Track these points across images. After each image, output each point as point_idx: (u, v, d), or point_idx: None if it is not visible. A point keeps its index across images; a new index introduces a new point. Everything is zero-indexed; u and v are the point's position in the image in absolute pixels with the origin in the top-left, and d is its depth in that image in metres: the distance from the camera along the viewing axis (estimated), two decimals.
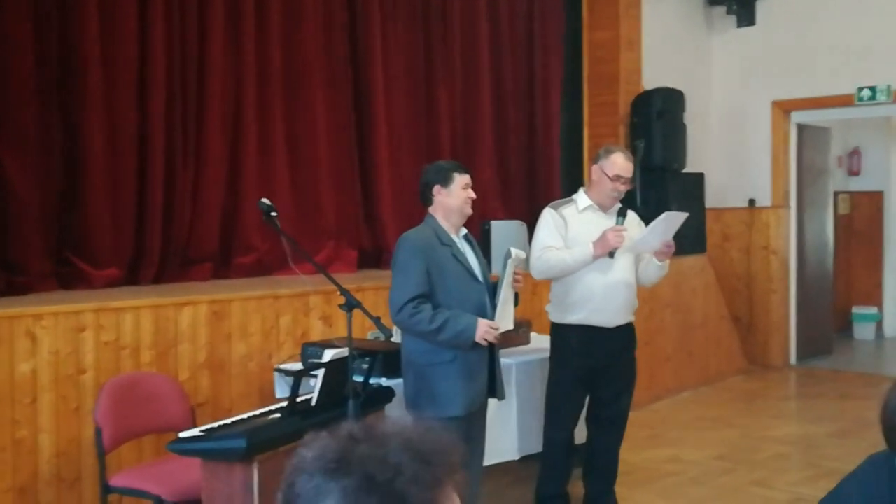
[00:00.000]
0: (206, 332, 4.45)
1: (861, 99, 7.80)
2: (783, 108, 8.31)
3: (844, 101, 7.91)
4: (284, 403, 3.38)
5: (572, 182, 7.07)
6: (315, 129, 5.96)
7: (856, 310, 9.82)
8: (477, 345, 3.65)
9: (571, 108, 7.71)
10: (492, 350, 3.78)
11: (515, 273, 3.77)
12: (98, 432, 3.66)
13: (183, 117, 5.26)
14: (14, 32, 4.50)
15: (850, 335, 9.74)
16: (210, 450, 3.11)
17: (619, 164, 4.20)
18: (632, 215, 4.34)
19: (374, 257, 6.36)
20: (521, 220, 6.58)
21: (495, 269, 6.11)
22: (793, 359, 8.48)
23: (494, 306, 3.77)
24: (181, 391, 4.05)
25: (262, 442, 3.10)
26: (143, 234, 5.08)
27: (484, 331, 3.60)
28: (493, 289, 3.85)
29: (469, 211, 3.78)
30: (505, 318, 3.76)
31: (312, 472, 0.94)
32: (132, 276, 5.03)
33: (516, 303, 4.00)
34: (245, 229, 5.56)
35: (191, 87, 5.29)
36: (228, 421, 3.32)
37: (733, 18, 8.45)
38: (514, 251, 3.79)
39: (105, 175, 4.91)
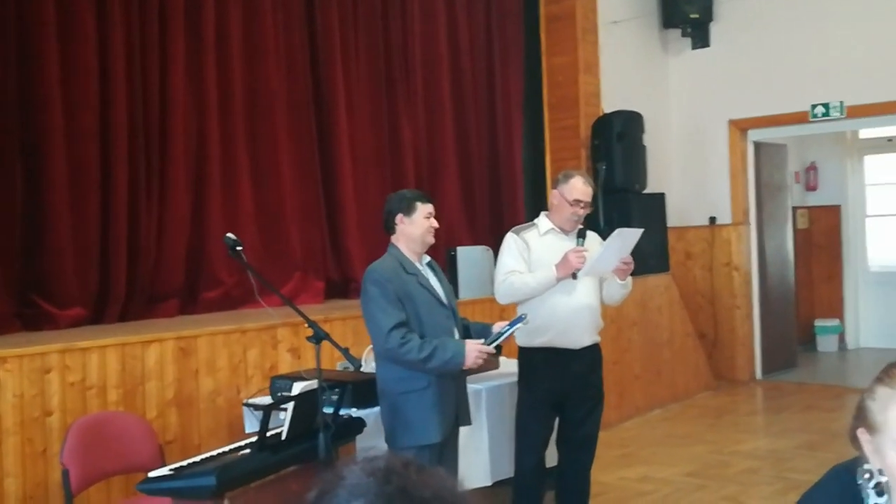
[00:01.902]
0: (173, 368, 4.43)
1: (815, 116, 7.98)
2: (740, 127, 8.48)
3: (799, 119, 8.09)
4: (254, 438, 3.37)
5: (536, 206, 7.13)
6: (279, 162, 5.98)
7: (818, 322, 9.98)
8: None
9: (533, 132, 7.81)
10: (456, 376, 3.80)
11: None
12: (65, 474, 3.61)
13: (146, 153, 5.25)
14: None
15: (813, 348, 9.89)
16: (179, 488, 3.09)
17: (578, 188, 4.26)
18: (592, 235, 4.41)
19: (342, 287, 6.37)
20: (487, 245, 6.64)
21: (463, 295, 6.18)
22: (758, 373, 8.60)
23: (472, 338, 3.83)
24: (149, 430, 4.02)
25: (233, 478, 3.09)
26: (108, 272, 5.05)
27: (475, 355, 3.63)
28: (459, 314, 3.91)
29: (431, 240, 3.82)
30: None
31: (358, 472, 1.00)
32: (98, 315, 4.99)
33: (498, 351, 4.10)
34: (211, 264, 5.55)
35: (153, 123, 5.29)
36: (197, 458, 3.30)
37: (688, 41, 8.63)
38: (528, 317, 3.86)
39: (68, 214, 4.88)
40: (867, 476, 1.64)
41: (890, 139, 9.75)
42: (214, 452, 3.39)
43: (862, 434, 1.58)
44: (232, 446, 3.46)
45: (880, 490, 1.59)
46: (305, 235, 6.13)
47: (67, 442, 3.69)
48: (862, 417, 1.57)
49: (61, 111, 4.86)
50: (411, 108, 6.90)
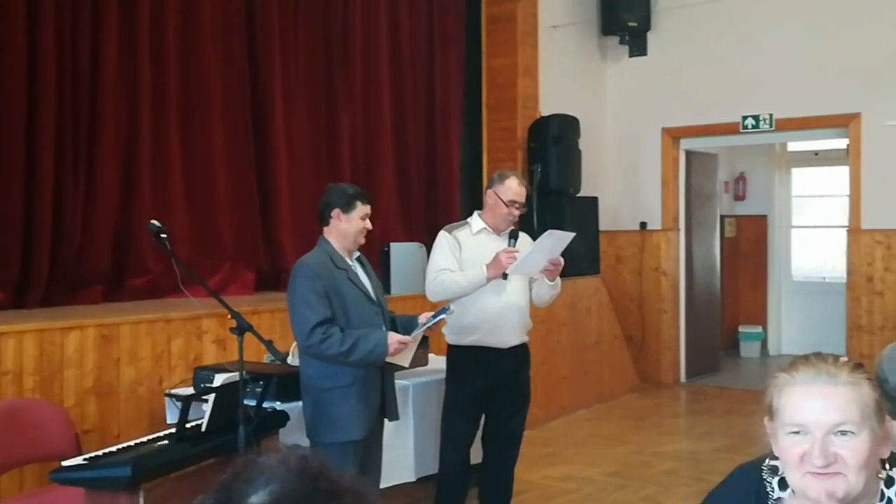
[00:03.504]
0: (93, 356, 4.33)
1: (746, 127, 8.17)
2: (672, 135, 8.64)
3: (730, 129, 8.28)
4: (173, 429, 3.31)
5: (472, 205, 7.15)
6: (212, 151, 5.88)
7: (742, 329, 10.22)
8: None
9: (471, 132, 7.84)
10: (383, 370, 3.80)
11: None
12: None
13: (74, 136, 5.12)
14: None
15: (736, 353, 10.12)
16: (93, 479, 3.03)
17: (514, 188, 4.29)
18: (524, 237, 4.44)
19: (273, 279, 6.30)
20: (422, 242, 6.64)
21: (395, 291, 6.17)
22: (683, 376, 8.77)
23: (398, 331, 3.82)
24: (66, 418, 3.92)
25: (149, 469, 3.04)
26: (30, 255, 4.91)
27: (395, 348, 3.63)
28: (387, 310, 3.90)
29: (362, 241, 3.81)
30: (406, 354, 3.80)
31: (274, 459, 1.01)
32: (18, 299, 4.86)
33: (426, 344, 4.07)
34: (138, 251, 5.44)
35: (82, 105, 5.16)
36: (114, 448, 3.24)
37: (626, 49, 8.75)
38: (452, 307, 3.89)
39: None
40: (771, 471, 1.68)
41: (817, 153, 10.04)
42: (132, 443, 3.33)
43: (767, 422, 1.63)
44: (150, 437, 3.40)
45: (784, 484, 1.64)
46: (237, 225, 6.05)
47: None
48: (766, 405, 1.63)
49: None
50: (349, 100, 6.86)
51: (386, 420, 3.92)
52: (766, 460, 1.69)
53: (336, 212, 3.74)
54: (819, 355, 1.61)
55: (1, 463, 3.63)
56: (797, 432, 1.56)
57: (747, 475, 1.73)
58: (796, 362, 1.61)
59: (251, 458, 1.02)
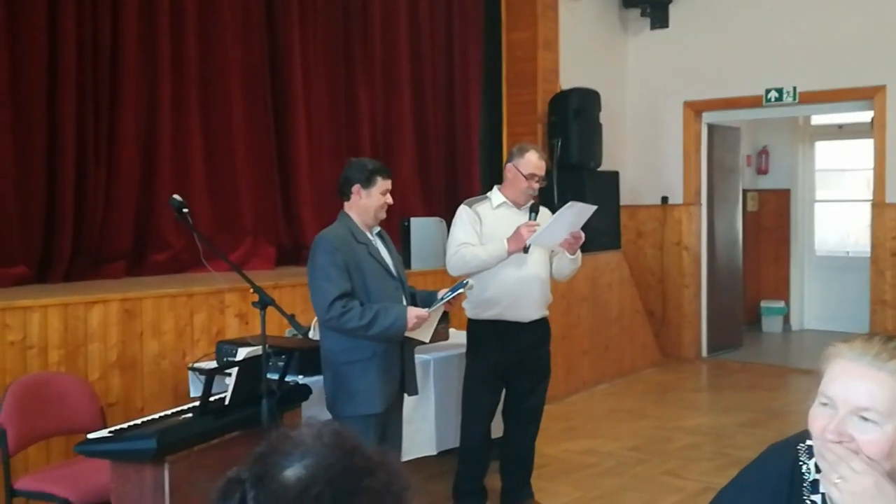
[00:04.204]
0: (117, 330, 4.37)
1: (769, 100, 8.07)
2: (694, 109, 8.55)
3: (753, 103, 8.18)
4: (197, 403, 3.34)
5: (492, 180, 7.10)
6: (232, 127, 5.89)
7: (764, 304, 10.15)
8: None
9: (490, 106, 7.79)
10: (402, 345, 3.80)
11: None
12: (2, 434, 3.56)
13: (95, 112, 5.14)
14: None
15: (758, 328, 10.07)
16: (119, 451, 3.06)
17: (534, 162, 4.27)
18: (544, 211, 4.42)
19: (294, 254, 6.33)
20: (442, 217, 6.62)
21: (416, 266, 6.18)
22: (704, 351, 8.74)
23: (419, 306, 3.82)
24: (90, 391, 3.97)
25: (173, 442, 3.06)
26: (53, 231, 4.95)
27: (414, 322, 3.63)
28: (407, 285, 3.91)
29: (383, 216, 3.80)
30: (427, 329, 3.80)
31: (308, 433, 1.03)
32: (42, 274, 4.91)
33: (446, 319, 4.07)
34: (160, 226, 5.47)
35: (103, 82, 5.18)
36: (139, 421, 3.27)
37: (647, 21, 8.65)
38: (471, 281, 3.87)
39: (13, 171, 4.77)
40: (807, 452, 1.66)
41: (841, 126, 9.91)
42: (156, 416, 3.35)
43: None
44: (174, 410, 3.42)
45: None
46: (258, 200, 6.07)
47: (6, 401, 3.63)
48: (819, 371, 1.61)
49: (7, 67, 4.73)
50: (369, 75, 6.83)
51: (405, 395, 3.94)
52: (802, 441, 1.66)
53: (356, 187, 3.73)
54: (886, 338, 1.55)
55: (28, 435, 3.68)
56: (826, 404, 1.54)
57: (782, 456, 1.70)
58: (857, 337, 1.57)
59: (285, 432, 1.03)
